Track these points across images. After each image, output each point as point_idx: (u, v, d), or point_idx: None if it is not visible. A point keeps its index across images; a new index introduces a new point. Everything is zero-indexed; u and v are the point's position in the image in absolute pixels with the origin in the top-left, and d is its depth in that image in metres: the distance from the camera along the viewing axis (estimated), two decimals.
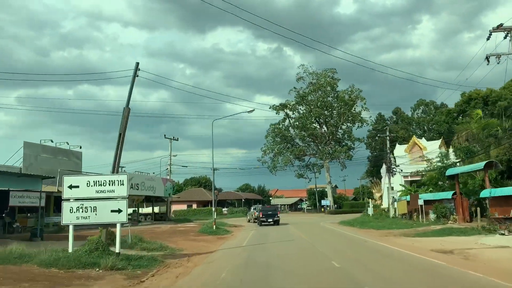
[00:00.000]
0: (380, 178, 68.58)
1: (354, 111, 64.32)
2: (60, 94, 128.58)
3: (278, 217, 32.99)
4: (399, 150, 63.16)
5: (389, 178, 37.26)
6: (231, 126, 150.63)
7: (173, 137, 44.54)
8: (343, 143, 66.64)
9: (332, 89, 65.21)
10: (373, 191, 72.73)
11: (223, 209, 60.93)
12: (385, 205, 64.30)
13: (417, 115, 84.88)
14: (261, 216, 32.67)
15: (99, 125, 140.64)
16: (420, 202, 29.38)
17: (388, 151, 37.42)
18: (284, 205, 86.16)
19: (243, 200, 62.69)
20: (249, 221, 41.52)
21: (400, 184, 38.89)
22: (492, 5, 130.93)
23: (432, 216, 28.74)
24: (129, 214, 38.42)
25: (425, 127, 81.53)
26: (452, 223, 24.75)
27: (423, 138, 63.07)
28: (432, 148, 59.20)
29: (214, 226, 25.53)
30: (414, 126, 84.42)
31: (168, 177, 43.00)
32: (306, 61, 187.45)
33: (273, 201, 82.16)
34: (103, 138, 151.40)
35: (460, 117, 65.87)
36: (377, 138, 77.97)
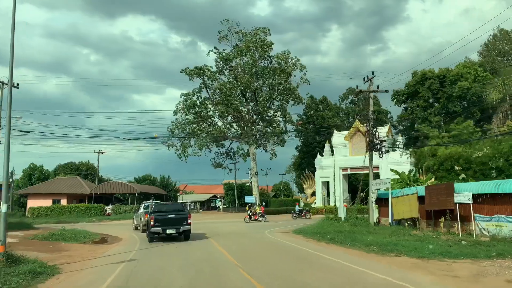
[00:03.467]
0: (313, 170, 56.06)
1: (290, 84, 50.20)
2: None
3: (189, 224, 16.48)
4: (338, 137, 51.70)
5: (370, 159, 23.09)
6: (141, 118, 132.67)
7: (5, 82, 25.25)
8: (275, 125, 52.27)
9: (264, 53, 50.22)
10: (304, 186, 59.75)
11: (107, 207, 42.17)
12: (318, 203, 52.04)
13: (346, 104, 76.32)
14: (153, 222, 15.87)
15: None
16: (464, 198, 15.43)
17: (371, 116, 23.21)
18: (195, 202, 69.44)
19: (137, 194, 44.54)
20: (136, 228, 24.37)
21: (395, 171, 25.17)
22: (392, 22, 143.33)
23: (485, 224, 14.96)
24: None
25: (356, 116, 73.08)
26: None
27: (365, 125, 51.42)
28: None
29: None
30: (342, 116, 75.77)
31: None
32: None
33: (181, 198, 64.85)
34: None
35: (409, 100, 56.27)
36: (310, 125, 66.43)
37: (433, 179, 22.29)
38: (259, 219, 29.57)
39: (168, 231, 15.83)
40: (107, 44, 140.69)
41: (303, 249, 13.31)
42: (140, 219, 22.60)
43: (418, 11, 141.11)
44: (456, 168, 20.16)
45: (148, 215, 17.83)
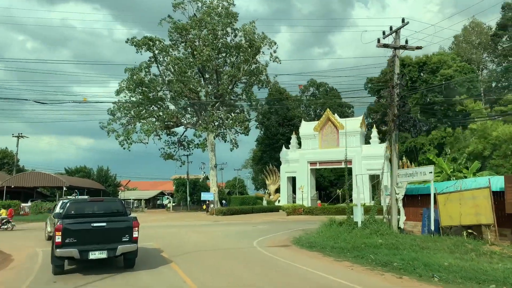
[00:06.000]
0: (276, 165, 49.70)
1: (257, 63, 43.14)
2: None
3: (134, 241, 8.70)
4: (306, 128, 45.94)
5: (395, 141, 16.64)
6: (81, 111, 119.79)
7: None
8: (237, 110, 45.09)
9: (227, 25, 42.67)
10: (267, 182, 53.17)
11: (23, 205, 32.51)
12: (283, 201, 46.16)
13: (306, 97, 71.79)
14: (61, 238, 8.05)
15: None
16: None
17: (398, 82, 16.76)
18: (139, 200, 60.26)
19: (65, 188, 35.05)
20: (50, 237, 16.10)
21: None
22: (339, 27, 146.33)
23: None
24: None
25: (317, 111, 68.85)
26: None
27: (335, 114, 46.13)
28: (351, 127, 42.89)
29: None
30: (303, 109, 71.21)
31: None
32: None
33: (123, 195, 55.50)
34: None
35: (385, 89, 51.68)
36: (272, 117, 60.20)
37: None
38: (2, 226, 20.25)
39: (92, 255, 8.11)
40: (46, 31, 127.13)
41: None
42: (55, 223, 14.40)
43: (363, 17, 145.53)
44: None
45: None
